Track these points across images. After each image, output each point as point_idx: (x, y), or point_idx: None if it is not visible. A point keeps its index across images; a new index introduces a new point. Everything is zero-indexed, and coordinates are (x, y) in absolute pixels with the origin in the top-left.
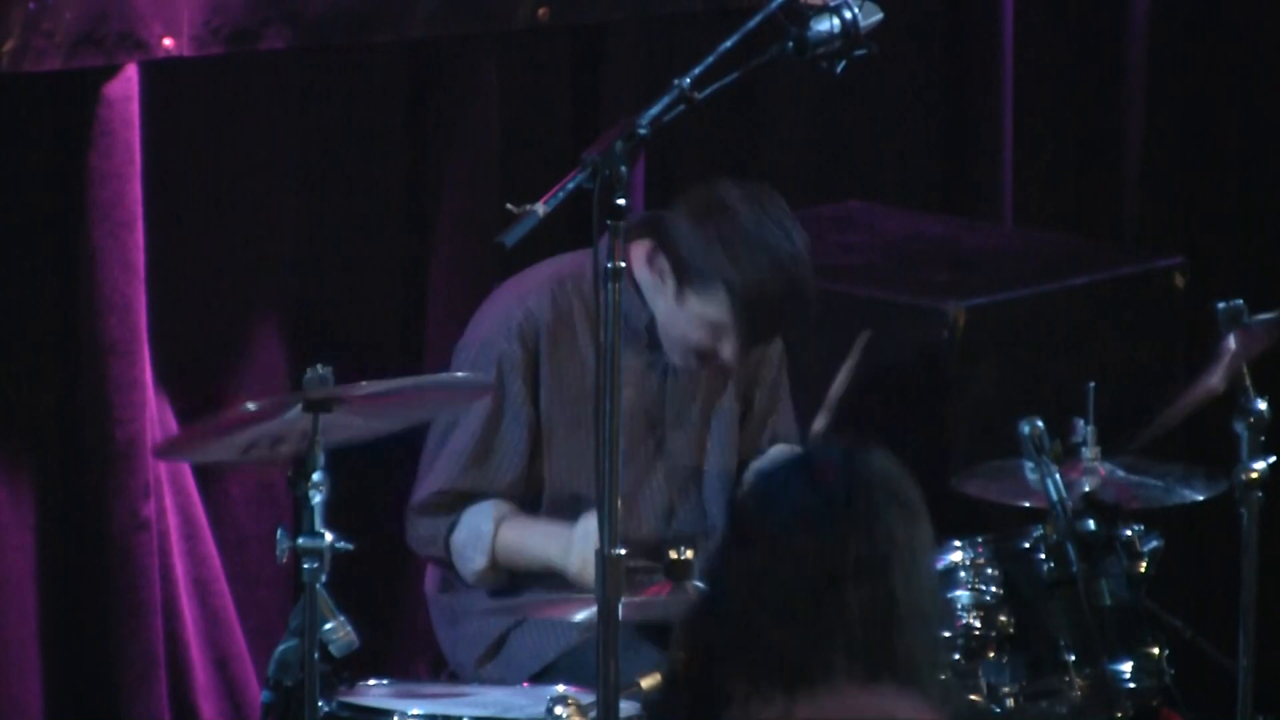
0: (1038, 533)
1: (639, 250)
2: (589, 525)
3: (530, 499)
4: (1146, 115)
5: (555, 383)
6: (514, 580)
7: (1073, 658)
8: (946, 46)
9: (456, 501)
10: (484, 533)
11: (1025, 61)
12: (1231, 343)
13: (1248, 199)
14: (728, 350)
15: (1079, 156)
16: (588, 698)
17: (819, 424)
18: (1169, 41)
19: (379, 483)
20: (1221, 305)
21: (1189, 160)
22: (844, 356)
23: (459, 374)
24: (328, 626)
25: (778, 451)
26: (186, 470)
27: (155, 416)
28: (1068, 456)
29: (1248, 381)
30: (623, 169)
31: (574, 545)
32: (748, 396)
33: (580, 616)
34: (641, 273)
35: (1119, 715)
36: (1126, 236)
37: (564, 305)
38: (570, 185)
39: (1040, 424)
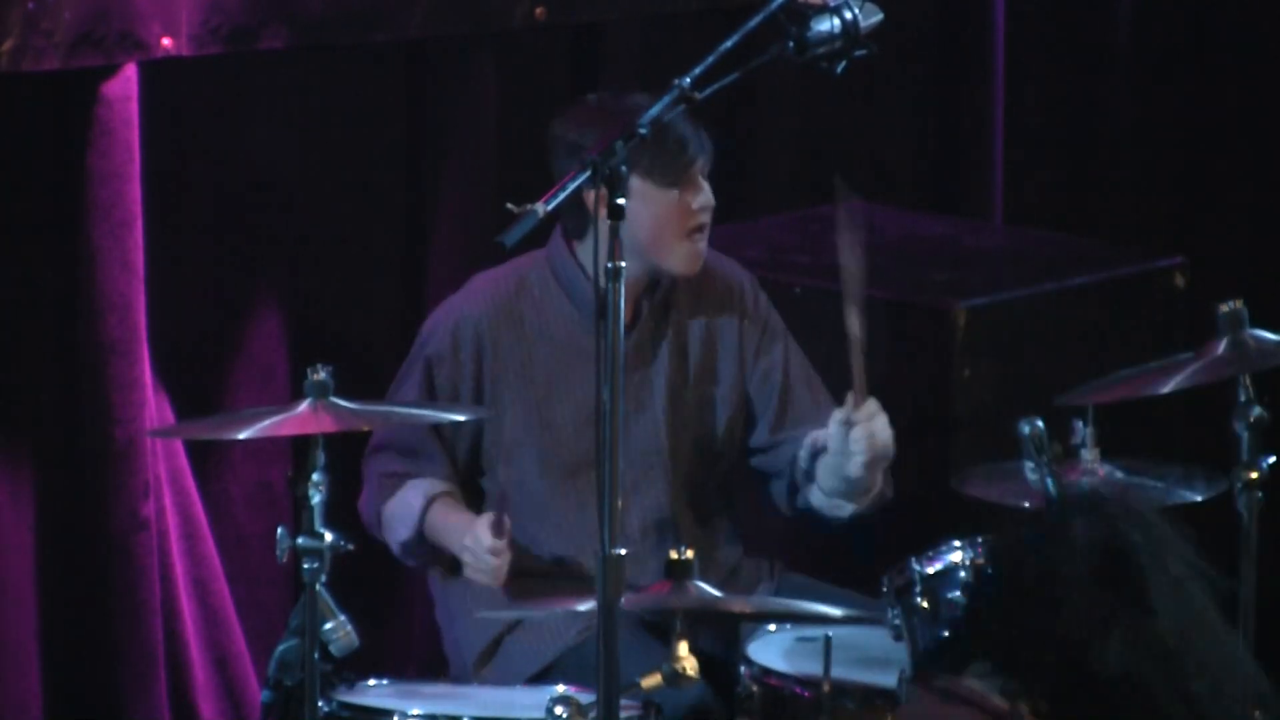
0: None
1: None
2: (476, 535)
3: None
4: (1144, 115)
5: (503, 373)
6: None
7: None
8: (940, 47)
9: (399, 480)
10: (414, 507)
11: (1020, 61)
12: (1220, 346)
13: (1248, 199)
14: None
15: (1077, 157)
16: (588, 698)
17: (853, 324)
18: (1167, 41)
19: None
20: (1221, 307)
21: (1189, 160)
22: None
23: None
24: (328, 626)
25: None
26: (186, 470)
27: (155, 416)
28: (1067, 457)
29: (1247, 383)
30: (623, 169)
31: (464, 550)
32: (736, 375)
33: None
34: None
35: None
36: (1126, 237)
37: (502, 302)
38: (570, 185)
39: (1040, 424)
